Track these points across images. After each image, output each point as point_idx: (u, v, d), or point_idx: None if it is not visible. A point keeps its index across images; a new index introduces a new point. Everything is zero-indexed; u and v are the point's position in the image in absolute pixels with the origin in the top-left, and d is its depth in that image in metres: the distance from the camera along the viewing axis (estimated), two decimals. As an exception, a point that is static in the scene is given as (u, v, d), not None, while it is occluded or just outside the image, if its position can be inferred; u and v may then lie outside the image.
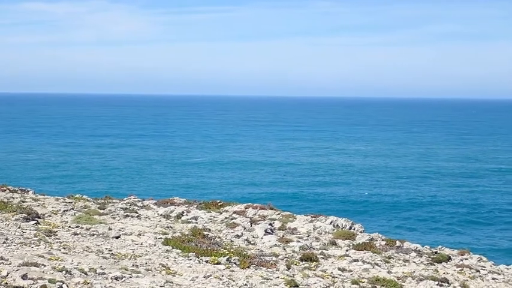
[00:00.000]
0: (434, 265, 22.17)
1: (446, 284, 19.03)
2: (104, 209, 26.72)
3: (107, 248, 18.60)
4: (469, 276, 20.93)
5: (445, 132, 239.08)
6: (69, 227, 21.65)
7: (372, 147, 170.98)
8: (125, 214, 25.87)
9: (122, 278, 14.85)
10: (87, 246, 18.50)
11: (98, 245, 18.91)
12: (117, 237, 20.52)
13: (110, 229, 21.71)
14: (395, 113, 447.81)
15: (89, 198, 30.27)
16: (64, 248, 17.86)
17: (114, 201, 30.54)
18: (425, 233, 71.13)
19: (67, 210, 25.13)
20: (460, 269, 21.88)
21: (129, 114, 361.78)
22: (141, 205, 29.96)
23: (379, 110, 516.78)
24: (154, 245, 19.82)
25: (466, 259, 24.30)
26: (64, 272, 14.53)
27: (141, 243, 19.95)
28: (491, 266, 23.61)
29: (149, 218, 25.93)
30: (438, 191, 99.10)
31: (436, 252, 24.42)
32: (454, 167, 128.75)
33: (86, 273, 14.84)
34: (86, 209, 26.08)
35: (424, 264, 22.02)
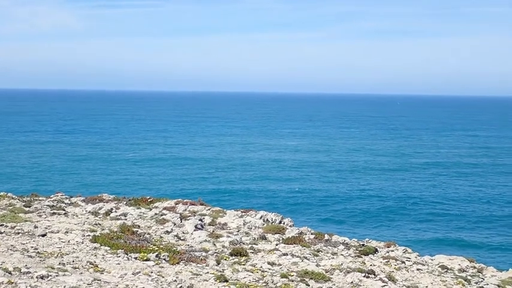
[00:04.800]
0: (362, 257, 22.63)
1: (373, 276, 19.44)
2: (29, 207, 26.10)
3: (32, 247, 18.19)
4: (394, 268, 21.45)
5: (372, 127, 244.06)
6: (-7, 225, 21.07)
7: (302, 142, 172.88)
8: (52, 212, 25.35)
9: (47, 277, 14.56)
10: (12, 245, 18.05)
11: (23, 244, 18.47)
12: (43, 235, 20.09)
13: (35, 227, 21.22)
14: (325, 108, 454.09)
15: (14, 196, 29.49)
16: (-13, 248, 17.39)
17: (40, 198, 29.87)
18: (353, 226, 72.51)
19: (-9, 209, 24.44)
20: (386, 260, 22.39)
21: (58, 109, 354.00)
22: (69, 202, 29.41)
23: (309, 105, 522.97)
24: (82, 243, 19.50)
25: (392, 251, 24.89)
26: (-13, 271, 14.16)
27: (69, 241, 19.60)
28: (416, 257, 24.26)
29: (77, 215, 25.48)
30: (366, 184, 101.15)
31: (363, 245, 24.92)
32: (382, 161, 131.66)
33: (10, 273, 14.50)
34: (10, 207, 25.42)
35: (352, 257, 22.45)
